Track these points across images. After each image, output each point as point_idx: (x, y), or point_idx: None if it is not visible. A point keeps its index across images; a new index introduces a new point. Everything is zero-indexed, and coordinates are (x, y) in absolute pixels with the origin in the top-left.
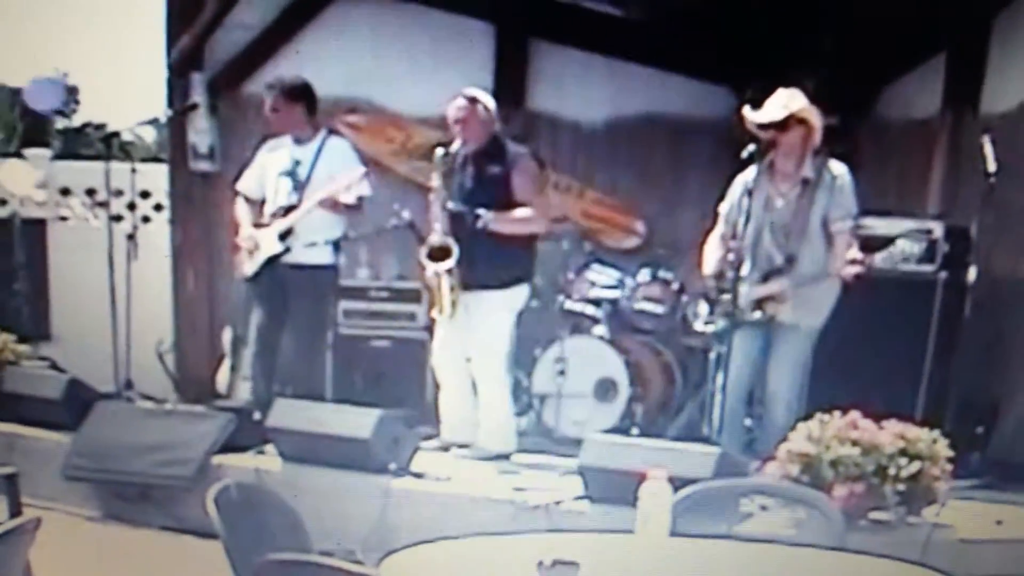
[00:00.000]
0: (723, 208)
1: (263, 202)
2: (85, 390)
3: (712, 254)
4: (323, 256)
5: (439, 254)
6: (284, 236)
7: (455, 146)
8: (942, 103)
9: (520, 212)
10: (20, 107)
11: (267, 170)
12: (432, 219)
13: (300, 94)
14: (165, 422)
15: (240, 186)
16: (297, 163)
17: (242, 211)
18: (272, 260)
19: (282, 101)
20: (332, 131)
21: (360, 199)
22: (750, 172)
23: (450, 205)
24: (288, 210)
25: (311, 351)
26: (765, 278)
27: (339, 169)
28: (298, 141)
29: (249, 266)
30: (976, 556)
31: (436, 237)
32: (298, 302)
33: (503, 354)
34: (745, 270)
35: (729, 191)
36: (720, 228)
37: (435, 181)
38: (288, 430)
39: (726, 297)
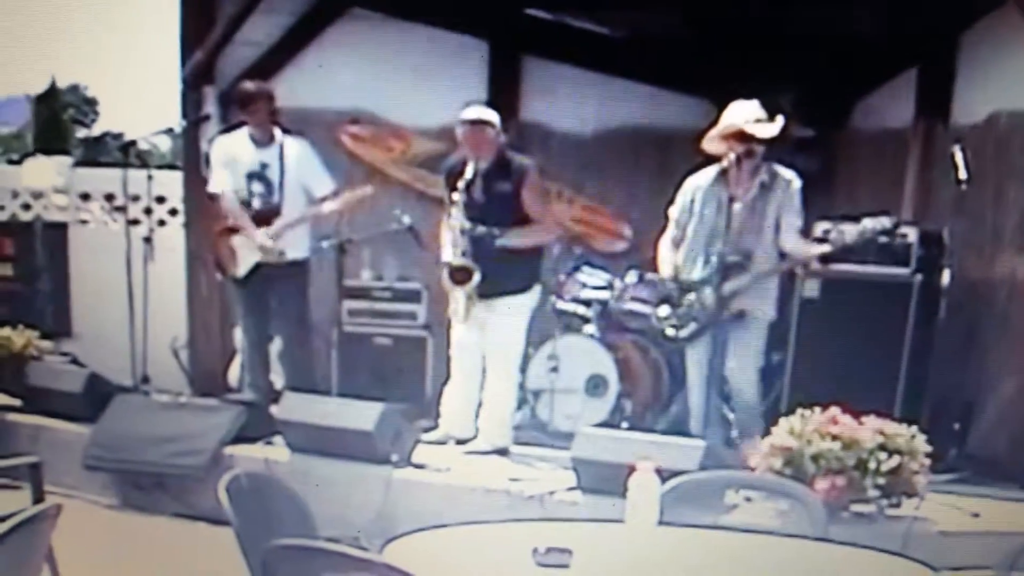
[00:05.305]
0: (673, 212)
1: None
2: (104, 384)
3: (667, 256)
4: (303, 252)
5: (461, 276)
6: (273, 239)
7: (468, 171)
8: (914, 115)
9: (531, 228)
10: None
11: (235, 169)
12: (447, 242)
13: (270, 96)
14: (179, 415)
15: (217, 188)
16: (264, 165)
17: (236, 207)
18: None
19: (262, 103)
20: (286, 131)
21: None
22: (703, 177)
23: (467, 226)
24: (268, 212)
25: (301, 340)
26: (725, 276)
27: (308, 171)
28: (257, 143)
29: (241, 267)
30: (954, 547)
31: (456, 260)
32: (285, 297)
33: (517, 353)
34: (706, 270)
35: (679, 196)
36: (671, 231)
37: (453, 213)
38: (296, 422)
39: (691, 296)
